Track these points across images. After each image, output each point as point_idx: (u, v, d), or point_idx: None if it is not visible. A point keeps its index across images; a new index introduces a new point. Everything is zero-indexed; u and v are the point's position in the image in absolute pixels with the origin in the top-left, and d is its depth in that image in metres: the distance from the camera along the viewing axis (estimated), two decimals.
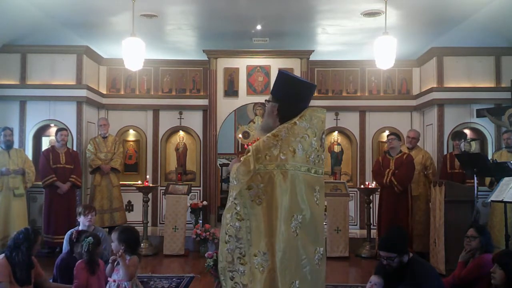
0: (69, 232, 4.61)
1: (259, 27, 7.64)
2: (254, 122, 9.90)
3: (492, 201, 5.24)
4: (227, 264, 2.49)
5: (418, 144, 7.46)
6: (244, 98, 8.28)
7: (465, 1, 6.40)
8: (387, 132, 7.59)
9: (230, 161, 2.85)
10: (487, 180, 6.49)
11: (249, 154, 2.54)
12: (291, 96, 2.69)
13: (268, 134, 2.59)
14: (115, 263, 3.72)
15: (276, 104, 2.70)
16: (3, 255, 3.95)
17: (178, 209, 7.15)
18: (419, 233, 6.81)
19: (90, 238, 4.03)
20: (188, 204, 7.64)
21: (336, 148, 8.66)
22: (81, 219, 4.88)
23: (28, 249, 3.88)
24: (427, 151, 7.43)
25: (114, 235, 3.83)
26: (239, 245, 2.47)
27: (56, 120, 7.79)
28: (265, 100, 2.78)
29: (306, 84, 2.86)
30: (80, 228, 4.78)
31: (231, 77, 8.27)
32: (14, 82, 7.78)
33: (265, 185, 2.49)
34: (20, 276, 3.83)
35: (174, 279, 5.62)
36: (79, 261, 4.05)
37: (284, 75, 2.81)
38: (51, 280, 4.46)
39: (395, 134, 7.02)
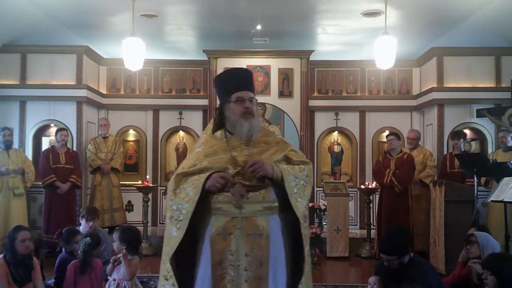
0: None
1: (259, 27, 7.63)
2: None
3: (492, 201, 5.23)
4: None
5: (420, 143, 7.44)
6: None
7: (465, 1, 6.40)
8: (387, 132, 7.59)
9: None
10: (483, 179, 6.48)
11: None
12: None
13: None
14: (116, 263, 3.73)
15: None
16: (1, 256, 3.95)
17: None
18: (422, 232, 6.78)
19: (87, 238, 4.03)
20: None
21: (336, 148, 8.66)
22: (83, 222, 4.92)
23: (11, 246, 3.88)
24: (428, 150, 7.42)
25: (115, 235, 3.85)
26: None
27: (56, 120, 7.79)
28: (258, 102, 2.78)
29: None
30: (81, 230, 4.80)
31: None
32: (14, 82, 7.78)
33: None
34: (17, 274, 3.83)
35: None
36: (73, 261, 4.04)
37: None
38: (52, 280, 4.46)
39: (395, 134, 7.02)
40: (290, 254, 2.59)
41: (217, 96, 2.85)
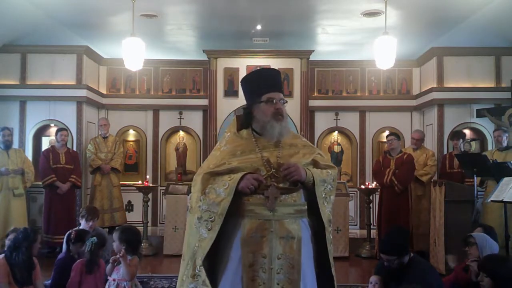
0: (68, 233, 4.62)
1: (259, 27, 7.64)
2: None
3: (492, 201, 5.23)
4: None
5: (423, 144, 7.43)
6: (244, 98, 8.25)
7: (465, 1, 6.40)
8: (387, 132, 7.59)
9: None
10: (478, 178, 6.47)
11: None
12: None
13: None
14: (116, 263, 3.73)
15: None
16: (2, 255, 3.94)
17: (178, 209, 7.14)
18: (422, 232, 6.77)
19: (94, 238, 4.04)
20: (188, 204, 7.61)
21: (336, 148, 8.66)
22: (82, 222, 4.91)
23: (28, 248, 3.88)
24: (431, 150, 7.39)
25: (115, 235, 3.85)
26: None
27: (56, 120, 7.79)
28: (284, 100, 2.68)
29: None
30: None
31: (231, 77, 8.27)
32: (14, 82, 7.78)
33: None
34: (20, 276, 3.83)
35: (174, 279, 5.61)
36: (79, 260, 4.05)
37: None
38: (49, 281, 4.45)
39: (395, 134, 7.02)
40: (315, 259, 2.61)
41: (244, 96, 2.79)
